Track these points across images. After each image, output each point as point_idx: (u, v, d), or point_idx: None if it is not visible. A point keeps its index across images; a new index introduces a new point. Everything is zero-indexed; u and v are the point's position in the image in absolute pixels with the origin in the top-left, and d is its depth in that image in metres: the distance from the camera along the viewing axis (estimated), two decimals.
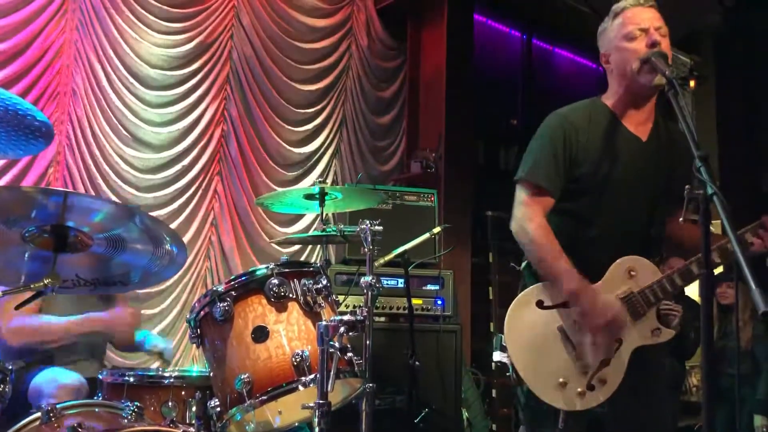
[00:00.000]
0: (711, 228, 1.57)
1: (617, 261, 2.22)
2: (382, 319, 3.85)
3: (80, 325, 2.66)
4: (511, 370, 2.24)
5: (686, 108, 1.76)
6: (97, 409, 2.02)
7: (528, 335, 2.23)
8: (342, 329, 1.88)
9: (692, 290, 5.47)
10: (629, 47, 2.21)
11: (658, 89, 2.23)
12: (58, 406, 1.92)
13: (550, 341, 2.21)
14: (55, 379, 2.39)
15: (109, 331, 2.77)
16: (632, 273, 2.20)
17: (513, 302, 2.29)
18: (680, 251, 2.39)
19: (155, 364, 3.02)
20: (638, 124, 2.32)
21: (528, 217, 2.26)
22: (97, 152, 4.88)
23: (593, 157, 2.27)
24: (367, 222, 2.36)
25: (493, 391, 5.66)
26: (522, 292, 2.29)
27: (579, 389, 2.16)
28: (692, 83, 6.85)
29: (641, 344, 2.19)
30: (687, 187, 1.67)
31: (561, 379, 2.16)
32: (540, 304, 2.24)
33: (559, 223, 2.30)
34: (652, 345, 2.21)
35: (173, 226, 5.02)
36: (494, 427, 5.41)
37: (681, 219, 1.65)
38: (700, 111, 7.36)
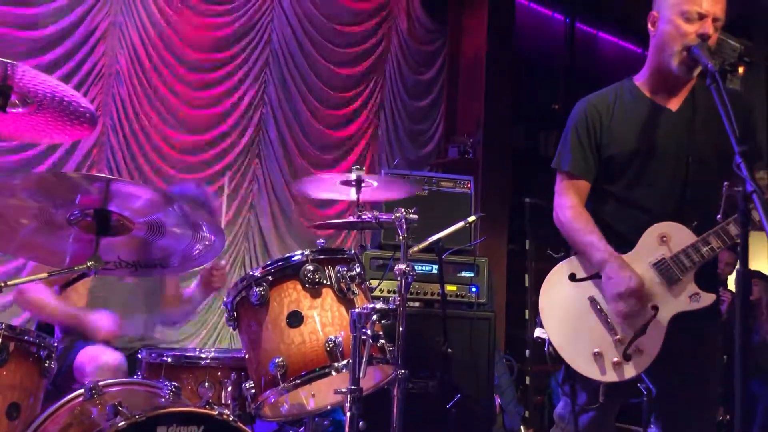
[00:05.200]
0: None
1: (649, 228, 2.19)
2: (416, 304, 3.87)
3: None
4: (547, 344, 2.25)
5: (727, 102, 1.72)
6: (136, 388, 2.08)
7: (561, 308, 2.25)
8: (374, 317, 1.91)
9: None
10: (681, 26, 2.14)
11: (690, 78, 2.21)
12: (100, 383, 1.99)
13: (584, 313, 2.21)
14: (96, 358, 2.47)
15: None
16: (664, 238, 2.17)
17: (547, 276, 2.31)
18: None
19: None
20: (669, 96, 2.29)
21: (560, 203, 2.35)
22: (140, 133, 4.99)
23: (620, 136, 2.29)
24: (402, 210, 2.37)
25: (527, 378, 5.66)
26: (555, 267, 2.31)
27: (615, 359, 2.13)
28: (741, 69, 6.64)
29: (679, 311, 2.14)
30: (726, 183, 1.63)
31: (596, 350, 2.15)
32: (572, 278, 2.27)
33: (605, 208, 2.32)
34: (695, 312, 2.14)
35: None
36: (527, 414, 5.41)
37: (719, 216, 1.62)
38: (750, 98, 7.14)
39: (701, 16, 2.12)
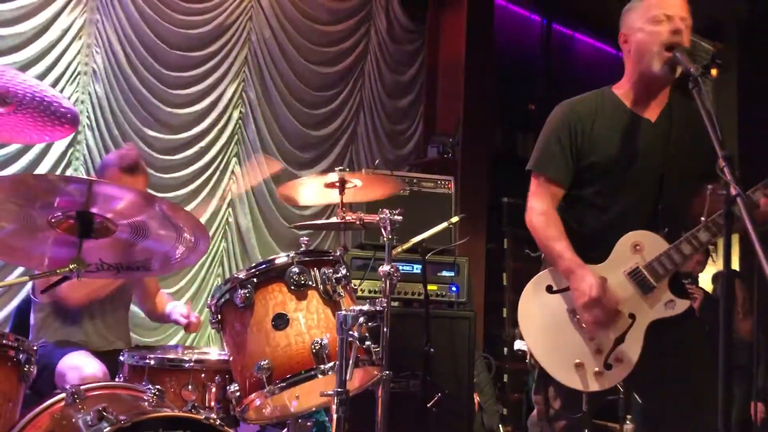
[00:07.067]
0: None
1: (622, 237, 2.22)
2: (396, 303, 3.87)
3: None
4: (528, 356, 2.27)
5: (710, 106, 1.75)
6: (119, 392, 2.06)
7: (541, 320, 2.27)
8: (361, 319, 1.90)
9: (704, 281, 5.45)
10: (653, 30, 2.20)
11: (672, 79, 2.24)
12: (82, 387, 1.96)
13: (563, 324, 2.23)
14: (78, 368, 2.43)
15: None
16: (637, 247, 2.20)
17: (525, 289, 2.33)
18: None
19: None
20: (648, 107, 2.32)
21: (533, 206, 2.35)
22: (116, 132, 4.92)
23: (600, 145, 2.30)
24: (387, 211, 2.36)
25: (505, 377, 5.70)
26: (532, 279, 2.32)
27: (596, 369, 2.16)
28: (714, 72, 6.74)
29: (655, 318, 2.18)
30: (710, 186, 1.66)
31: (577, 360, 2.17)
32: (549, 289, 2.28)
33: (576, 213, 2.34)
34: (672, 318, 2.18)
35: (191, 206, 5.07)
36: (505, 411, 5.45)
37: (702, 218, 1.65)
38: (721, 100, 7.25)
39: (668, 17, 2.19)
